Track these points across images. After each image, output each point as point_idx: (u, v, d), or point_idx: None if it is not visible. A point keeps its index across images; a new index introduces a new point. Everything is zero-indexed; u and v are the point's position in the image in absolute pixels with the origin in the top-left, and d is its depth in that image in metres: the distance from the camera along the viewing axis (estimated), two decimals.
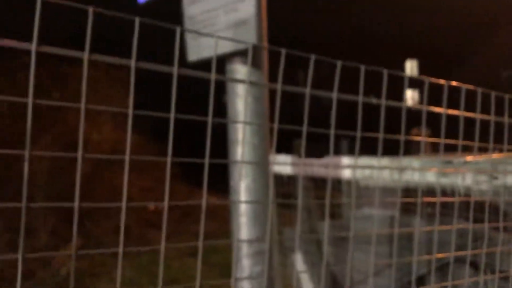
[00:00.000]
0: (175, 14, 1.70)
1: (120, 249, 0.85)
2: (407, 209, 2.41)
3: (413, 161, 2.19)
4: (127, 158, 0.83)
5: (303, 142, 1.09)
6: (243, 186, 1.48)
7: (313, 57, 1.02)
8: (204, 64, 1.55)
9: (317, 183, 2.65)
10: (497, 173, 1.79)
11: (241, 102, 1.50)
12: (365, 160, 2.39)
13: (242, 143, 1.49)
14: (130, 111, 0.83)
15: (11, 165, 6.08)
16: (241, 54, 1.51)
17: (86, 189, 7.26)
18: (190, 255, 6.11)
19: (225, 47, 1.49)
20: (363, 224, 2.72)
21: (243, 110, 1.49)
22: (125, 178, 0.83)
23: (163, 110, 0.90)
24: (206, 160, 0.89)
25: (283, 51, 0.97)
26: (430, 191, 2.10)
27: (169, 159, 0.87)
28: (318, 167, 2.55)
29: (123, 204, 0.84)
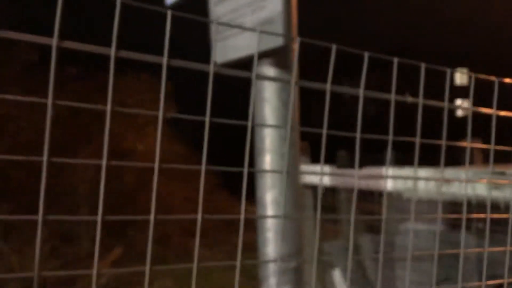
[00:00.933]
0: (204, 15, 1.62)
1: (147, 267, 0.76)
2: (456, 224, 2.23)
3: (460, 172, 2.01)
4: (156, 165, 0.76)
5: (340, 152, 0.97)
6: (269, 198, 1.37)
7: (366, 55, 0.92)
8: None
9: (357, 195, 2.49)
10: None
11: (268, 107, 1.40)
12: (408, 171, 2.23)
13: (268, 151, 1.38)
14: (160, 114, 0.76)
15: (58, 174, 6.21)
16: (269, 55, 1.41)
17: (130, 197, 7.34)
18: (230, 268, 6.01)
19: (253, 48, 1.39)
20: (408, 240, 2.54)
21: (270, 115, 1.39)
22: (153, 188, 0.77)
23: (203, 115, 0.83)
24: (245, 170, 0.79)
25: (334, 47, 0.88)
26: (480, 204, 1.92)
27: (203, 167, 0.79)
28: (358, 178, 2.40)
29: (151, 217, 0.75)
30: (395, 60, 1.00)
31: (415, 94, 1.04)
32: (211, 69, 0.75)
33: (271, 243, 1.37)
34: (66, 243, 5.68)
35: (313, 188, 2.83)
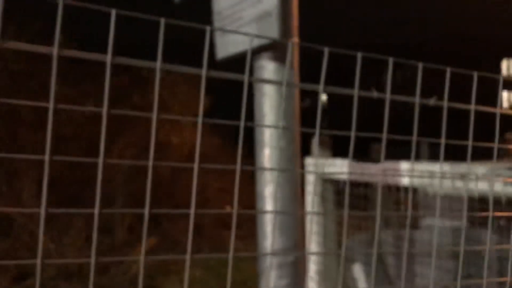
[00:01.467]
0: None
1: (188, 256, 0.79)
2: (476, 221, 2.16)
3: (477, 168, 1.94)
4: (195, 166, 0.78)
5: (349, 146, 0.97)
6: (268, 193, 1.37)
7: (359, 55, 0.91)
8: (234, 62, 1.47)
9: (374, 190, 2.46)
10: None
11: (268, 101, 1.39)
12: (424, 166, 2.18)
13: (267, 145, 1.38)
14: (200, 119, 0.79)
15: (92, 166, 6.38)
16: (269, 49, 1.40)
17: (166, 189, 7.46)
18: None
19: (247, 44, 1.39)
20: (426, 236, 2.49)
21: (269, 110, 1.39)
22: (193, 186, 0.78)
23: (236, 109, 0.87)
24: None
25: (326, 50, 0.87)
26: (497, 201, 1.85)
27: (238, 167, 0.81)
28: (374, 173, 2.37)
29: (192, 211, 0.78)
30: (390, 60, 0.98)
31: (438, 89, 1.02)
32: (204, 73, 0.76)
33: (269, 236, 1.37)
34: (101, 233, 5.85)
35: (335, 182, 2.80)
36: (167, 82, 7.81)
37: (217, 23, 1.52)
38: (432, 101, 0.86)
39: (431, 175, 2.13)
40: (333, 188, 2.80)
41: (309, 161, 2.94)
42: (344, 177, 2.63)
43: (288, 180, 1.37)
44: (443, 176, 2.05)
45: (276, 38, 1.29)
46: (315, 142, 2.91)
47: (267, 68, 1.39)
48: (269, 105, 1.39)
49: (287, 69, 1.31)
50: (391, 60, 0.93)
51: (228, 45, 1.47)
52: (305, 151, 3.09)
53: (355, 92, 0.91)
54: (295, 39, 1.42)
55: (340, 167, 2.70)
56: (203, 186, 8.42)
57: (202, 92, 0.75)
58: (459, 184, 2.00)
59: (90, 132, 6.42)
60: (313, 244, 2.81)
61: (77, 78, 7.08)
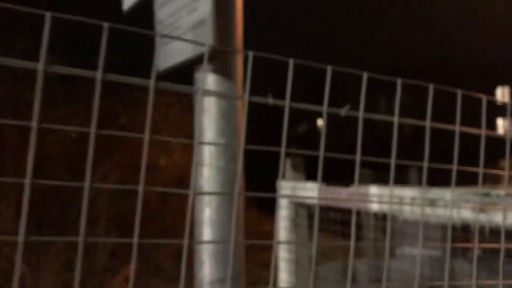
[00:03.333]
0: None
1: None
2: (452, 249, 2.02)
3: (446, 193, 1.82)
4: (191, 193, 0.72)
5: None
6: (205, 217, 1.25)
7: (365, 75, 0.84)
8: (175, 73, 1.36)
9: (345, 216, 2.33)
10: None
11: (208, 116, 1.28)
12: (394, 191, 2.05)
13: (206, 164, 1.26)
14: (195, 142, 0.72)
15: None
16: (209, 60, 1.29)
17: (152, 211, 7.31)
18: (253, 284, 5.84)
19: (189, 52, 1.28)
20: (402, 265, 2.35)
21: (208, 127, 1.27)
22: (188, 214, 0.72)
23: None
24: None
25: (291, 61, 0.77)
26: (466, 228, 1.73)
27: (236, 194, 0.71)
28: (342, 197, 2.24)
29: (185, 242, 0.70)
30: (399, 82, 0.91)
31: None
32: (152, 84, 0.66)
33: (205, 266, 1.24)
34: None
35: (308, 207, 2.67)
36: (159, 103, 7.73)
37: (159, 32, 1.42)
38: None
39: (400, 200, 2.00)
40: (306, 213, 2.67)
41: (282, 184, 2.82)
42: (314, 201, 2.50)
43: (227, 203, 1.25)
44: (412, 202, 1.93)
45: (211, 47, 1.18)
46: (288, 164, 2.80)
47: (207, 80, 1.28)
48: (208, 120, 1.27)
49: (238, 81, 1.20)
50: (399, 82, 0.86)
51: (169, 55, 1.37)
52: (277, 174, 2.97)
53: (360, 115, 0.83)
54: (239, 48, 1.31)
55: (311, 191, 2.57)
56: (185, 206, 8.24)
57: (150, 106, 0.66)
58: (428, 210, 1.87)
59: (75, 152, 6.31)
60: (283, 272, 2.67)
61: (65, 99, 7.00)
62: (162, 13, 1.41)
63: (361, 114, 0.88)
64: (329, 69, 0.80)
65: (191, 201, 0.71)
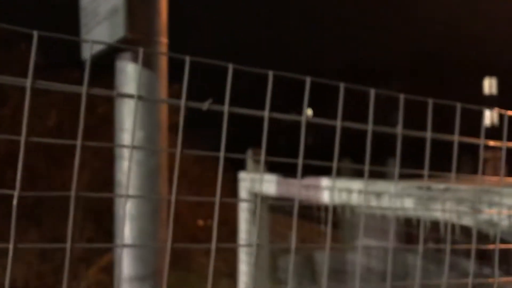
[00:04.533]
0: None
1: None
2: (403, 241, 2.00)
3: (390, 186, 1.78)
4: (173, 198, 0.68)
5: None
6: (127, 213, 1.20)
7: (342, 86, 0.80)
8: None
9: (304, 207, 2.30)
10: (480, 205, 1.37)
11: (127, 109, 1.23)
12: (343, 183, 2.02)
13: (125, 159, 1.21)
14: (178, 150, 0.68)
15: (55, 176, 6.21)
16: (128, 49, 1.24)
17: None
18: (227, 276, 5.81)
19: (108, 40, 1.22)
20: (356, 257, 2.33)
21: (128, 119, 1.22)
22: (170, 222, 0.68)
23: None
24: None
25: (230, 66, 0.73)
26: (409, 220, 1.70)
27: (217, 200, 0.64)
28: (299, 188, 2.21)
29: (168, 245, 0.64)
30: (372, 92, 0.89)
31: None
32: (28, 84, 0.61)
33: (123, 263, 1.20)
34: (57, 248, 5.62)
35: (268, 198, 2.63)
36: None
37: (82, 19, 1.36)
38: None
39: (349, 192, 1.97)
40: (266, 204, 2.64)
41: (242, 176, 2.78)
42: (273, 192, 2.47)
43: (148, 199, 1.20)
44: (360, 193, 1.90)
45: (122, 35, 1.12)
46: (249, 155, 2.75)
47: (126, 70, 1.23)
48: (127, 113, 1.22)
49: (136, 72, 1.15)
50: (342, 86, 0.82)
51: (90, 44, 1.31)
52: (241, 165, 2.95)
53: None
54: (162, 39, 1.26)
55: (269, 183, 2.54)
56: (177, 202, 8.19)
57: (26, 107, 0.62)
58: (373, 203, 1.84)
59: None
60: (242, 263, 2.64)
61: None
62: (84, 0, 1.35)
63: (304, 119, 0.83)
64: (270, 74, 0.75)
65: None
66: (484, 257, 1.40)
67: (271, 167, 2.77)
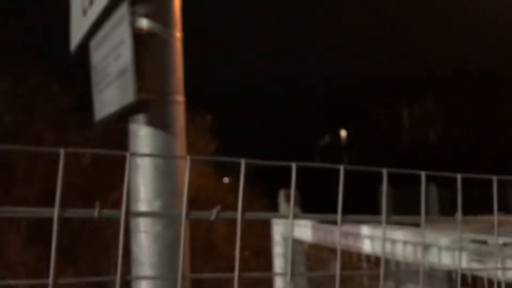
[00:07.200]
0: None
1: None
2: None
3: (441, 238, 1.60)
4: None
5: None
6: (144, 258, 1.09)
7: (385, 171, 0.74)
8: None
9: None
10: None
11: (141, 175, 1.12)
12: (388, 233, 1.84)
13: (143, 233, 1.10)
14: None
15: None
16: (142, 110, 1.13)
17: None
18: None
19: (117, 102, 1.13)
20: None
21: (143, 187, 1.11)
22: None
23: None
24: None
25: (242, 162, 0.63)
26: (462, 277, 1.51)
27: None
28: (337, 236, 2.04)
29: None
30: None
31: None
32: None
33: None
34: (97, 286, 5.58)
35: (302, 243, 2.48)
36: None
37: (93, 78, 1.28)
38: None
39: (393, 242, 1.80)
40: (302, 250, 2.48)
41: (275, 220, 2.64)
42: (308, 238, 2.30)
43: (171, 238, 1.09)
44: (405, 243, 1.73)
45: (131, 99, 1.02)
46: (281, 197, 2.60)
47: (139, 134, 1.12)
48: (142, 181, 1.11)
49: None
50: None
51: (103, 105, 1.22)
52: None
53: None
54: (179, 98, 1.15)
55: (304, 228, 2.38)
56: (209, 230, 8.10)
57: None
58: (420, 255, 1.66)
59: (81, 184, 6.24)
60: None
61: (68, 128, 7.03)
62: (95, 57, 1.27)
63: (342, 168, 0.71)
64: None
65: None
66: None
67: (307, 208, 2.62)
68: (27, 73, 6.49)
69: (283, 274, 2.42)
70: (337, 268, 0.71)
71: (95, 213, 0.49)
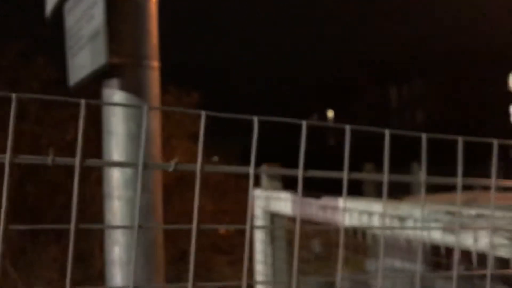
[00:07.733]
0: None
1: None
2: (435, 264, 1.83)
3: (415, 210, 1.62)
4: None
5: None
6: (116, 257, 1.08)
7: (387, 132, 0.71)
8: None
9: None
10: None
11: (114, 140, 1.11)
12: (363, 205, 1.86)
13: (115, 196, 1.09)
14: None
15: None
16: (117, 73, 1.12)
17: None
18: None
19: (90, 65, 1.11)
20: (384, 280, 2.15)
21: (116, 151, 1.10)
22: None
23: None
24: None
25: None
26: (436, 249, 1.54)
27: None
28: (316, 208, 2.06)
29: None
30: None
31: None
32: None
33: None
34: (78, 262, 5.57)
35: (284, 217, 2.49)
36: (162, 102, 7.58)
37: (67, 42, 1.25)
38: None
39: (370, 215, 1.82)
40: (282, 224, 2.49)
41: (257, 193, 2.64)
42: (288, 211, 2.32)
43: (140, 240, 1.07)
44: (381, 216, 1.75)
45: (104, 61, 1.00)
46: (262, 171, 2.58)
47: (113, 99, 1.10)
48: (115, 147, 1.10)
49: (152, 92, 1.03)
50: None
51: (76, 69, 1.20)
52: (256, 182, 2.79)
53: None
54: (153, 63, 1.13)
55: (285, 201, 2.39)
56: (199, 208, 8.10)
57: None
58: (397, 227, 1.68)
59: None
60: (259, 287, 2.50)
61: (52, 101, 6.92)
62: (69, 20, 1.24)
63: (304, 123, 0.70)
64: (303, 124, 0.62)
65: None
66: None
67: (289, 184, 2.63)
68: (10, 44, 6.38)
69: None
70: (340, 249, 0.70)
71: (49, 159, 0.48)
